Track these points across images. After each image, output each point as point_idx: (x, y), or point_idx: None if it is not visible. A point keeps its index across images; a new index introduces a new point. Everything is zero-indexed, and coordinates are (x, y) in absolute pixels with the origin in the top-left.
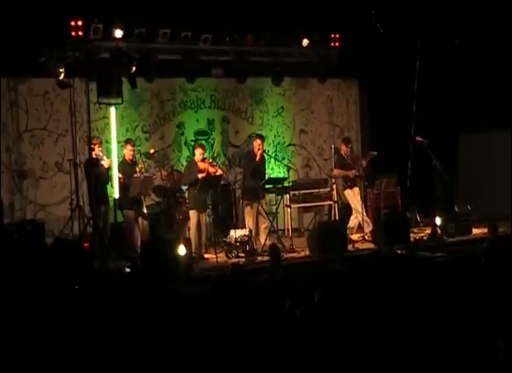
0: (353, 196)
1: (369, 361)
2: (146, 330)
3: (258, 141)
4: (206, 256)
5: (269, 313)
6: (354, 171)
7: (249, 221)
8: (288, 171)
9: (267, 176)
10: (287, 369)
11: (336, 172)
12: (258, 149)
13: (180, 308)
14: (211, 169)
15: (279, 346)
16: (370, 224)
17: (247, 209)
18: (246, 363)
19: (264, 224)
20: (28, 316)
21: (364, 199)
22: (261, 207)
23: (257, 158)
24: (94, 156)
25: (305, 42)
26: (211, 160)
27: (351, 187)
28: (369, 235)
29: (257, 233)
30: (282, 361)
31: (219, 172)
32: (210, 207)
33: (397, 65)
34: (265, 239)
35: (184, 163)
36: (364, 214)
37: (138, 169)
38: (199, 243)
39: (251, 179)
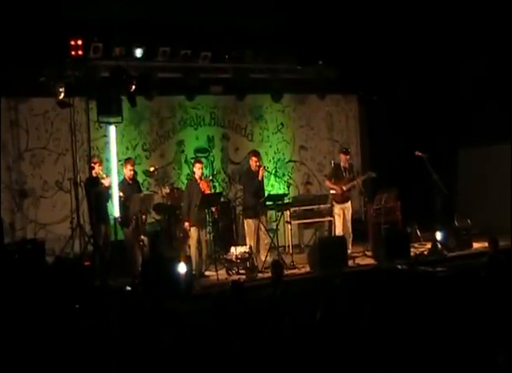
0: (337, 213)
1: None
2: (147, 347)
3: (254, 159)
4: (207, 273)
5: (269, 330)
6: (343, 187)
7: (250, 238)
8: (288, 187)
9: (267, 193)
10: None
11: (327, 183)
12: (256, 166)
13: (180, 324)
14: (207, 192)
15: (278, 361)
16: (350, 244)
17: (248, 226)
18: None
19: (264, 241)
20: (29, 335)
21: (364, 214)
22: (262, 223)
23: (259, 177)
24: (94, 175)
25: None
26: (211, 177)
27: (338, 203)
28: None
29: (258, 250)
30: None
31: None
32: (210, 224)
33: (396, 80)
34: (266, 256)
35: (185, 181)
36: (348, 231)
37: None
38: (200, 260)
39: (252, 196)
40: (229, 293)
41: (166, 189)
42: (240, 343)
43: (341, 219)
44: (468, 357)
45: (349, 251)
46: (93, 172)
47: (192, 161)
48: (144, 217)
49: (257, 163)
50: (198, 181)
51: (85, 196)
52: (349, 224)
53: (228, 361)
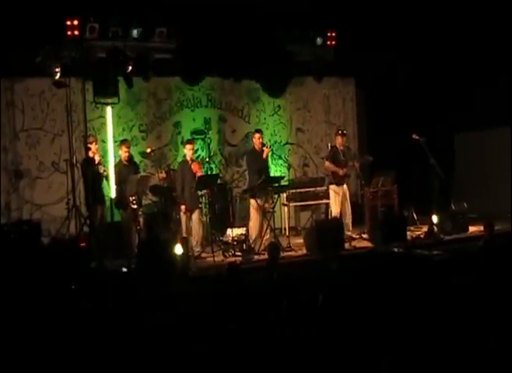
0: (335, 195)
1: (367, 360)
2: (143, 329)
3: (257, 135)
4: (203, 255)
5: (266, 312)
6: (344, 169)
7: (255, 218)
8: (288, 169)
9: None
10: (285, 368)
11: (327, 164)
12: (260, 143)
13: (175, 306)
14: (198, 174)
15: (276, 344)
16: (350, 226)
17: (253, 206)
18: (243, 362)
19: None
20: (25, 316)
21: (361, 197)
22: (267, 203)
23: (264, 156)
24: (91, 155)
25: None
26: (207, 159)
27: (337, 184)
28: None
29: (261, 230)
30: (279, 360)
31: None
32: (207, 206)
33: (393, 63)
34: (262, 238)
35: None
36: (348, 213)
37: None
38: (194, 242)
39: (258, 175)
40: (225, 275)
41: (163, 174)
42: (236, 325)
43: (339, 200)
44: (465, 340)
45: (349, 233)
46: (90, 152)
47: None
48: (140, 198)
49: (261, 140)
50: (190, 162)
51: (82, 176)
52: (349, 206)
53: (224, 344)
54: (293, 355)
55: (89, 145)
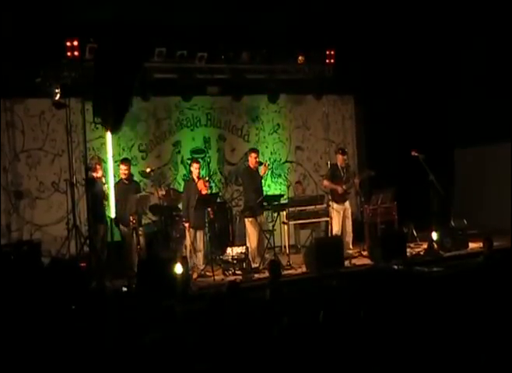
0: (336, 213)
1: None
2: (141, 345)
3: (254, 155)
4: (205, 273)
5: (266, 330)
6: (344, 186)
7: (253, 238)
8: (288, 188)
9: (264, 193)
10: None
11: (326, 183)
12: (256, 162)
13: (175, 322)
14: (204, 192)
15: (276, 362)
16: (350, 245)
17: (251, 225)
18: None
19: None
20: (25, 336)
21: (360, 214)
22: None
23: (261, 174)
24: (99, 175)
25: (300, 59)
26: (207, 178)
27: (337, 202)
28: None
29: (259, 250)
30: None
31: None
32: (207, 224)
33: (392, 80)
34: (262, 256)
35: (182, 182)
36: (349, 231)
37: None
38: (196, 261)
39: (254, 194)
40: (225, 293)
41: (163, 191)
42: (238, 343)
43: (339, 218)
44: (463, 356)
45: (350, 251)
46: (97, 173)
47: (189, 161)
48: (140, 218)
49: (257, 159)
50: (196, 181)
51: (86, 194)
52: (350, 224)
53: (224, 361)
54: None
55: (98, 166)
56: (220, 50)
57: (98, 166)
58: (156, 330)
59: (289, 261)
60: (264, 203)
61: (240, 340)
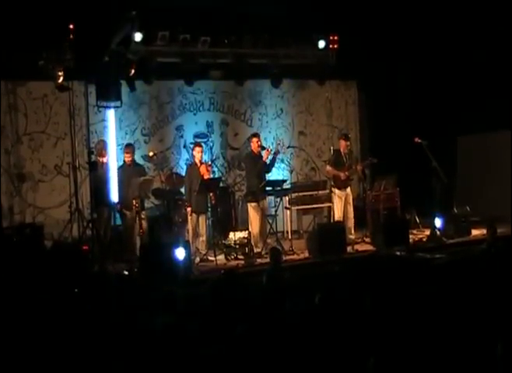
0: (338, 199)
1: (367, 363)
2: (143, 330)
3: (255, 139)
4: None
5: (268, 314)
6: (346, 173)
7: (255, 223)
8: (290, 173)
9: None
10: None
11: (328, 169)
12: (258, 147)
13: (177, 307)
14: (206, 176)
15: (278, 346)
16: (352, 230)
17: (254, 210)
18: (243, 364)
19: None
20: (27, 319)
21: (363, 200)
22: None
23: (264, 159)
24: (105, 161)
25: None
26: (210, 162)
27: (339, 188)
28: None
29: (262, 235)
30: (280, 362)
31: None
32: (209, 209)
33: (395, 66)
34: (265, 241)
35: (184, 167)
36: (350, 217)
37: None
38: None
39: (257, 179)
40: (222, 281)
41: (165, 175)
42: (239, 328)
43: (341, 204)
44: (467, 345)
45: (352, 236)
46: (102, 158)
47: (191, 146)
48: (143, 202)
49: (259, 144)
50: (198, 165)
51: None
52: (351, 210)
53: (226, 345)
54: (292, 356)
55: (104, 151)
56: (223, 35)
57: (104, 151)
58: (163, 315)
59: (291, 246)
60: (267, 188)
61: (240, 324)
